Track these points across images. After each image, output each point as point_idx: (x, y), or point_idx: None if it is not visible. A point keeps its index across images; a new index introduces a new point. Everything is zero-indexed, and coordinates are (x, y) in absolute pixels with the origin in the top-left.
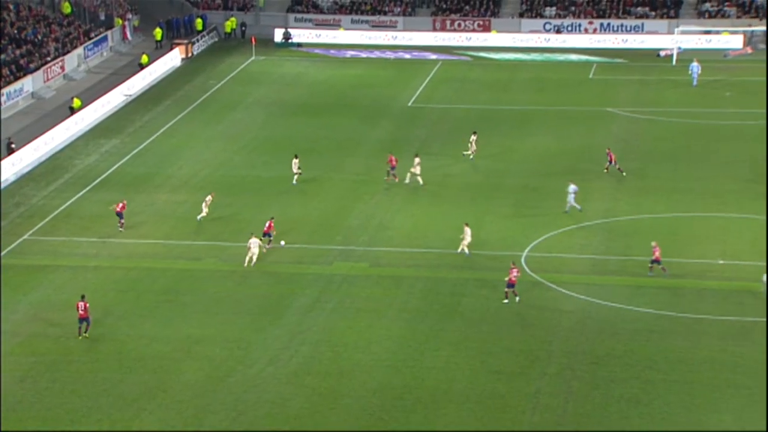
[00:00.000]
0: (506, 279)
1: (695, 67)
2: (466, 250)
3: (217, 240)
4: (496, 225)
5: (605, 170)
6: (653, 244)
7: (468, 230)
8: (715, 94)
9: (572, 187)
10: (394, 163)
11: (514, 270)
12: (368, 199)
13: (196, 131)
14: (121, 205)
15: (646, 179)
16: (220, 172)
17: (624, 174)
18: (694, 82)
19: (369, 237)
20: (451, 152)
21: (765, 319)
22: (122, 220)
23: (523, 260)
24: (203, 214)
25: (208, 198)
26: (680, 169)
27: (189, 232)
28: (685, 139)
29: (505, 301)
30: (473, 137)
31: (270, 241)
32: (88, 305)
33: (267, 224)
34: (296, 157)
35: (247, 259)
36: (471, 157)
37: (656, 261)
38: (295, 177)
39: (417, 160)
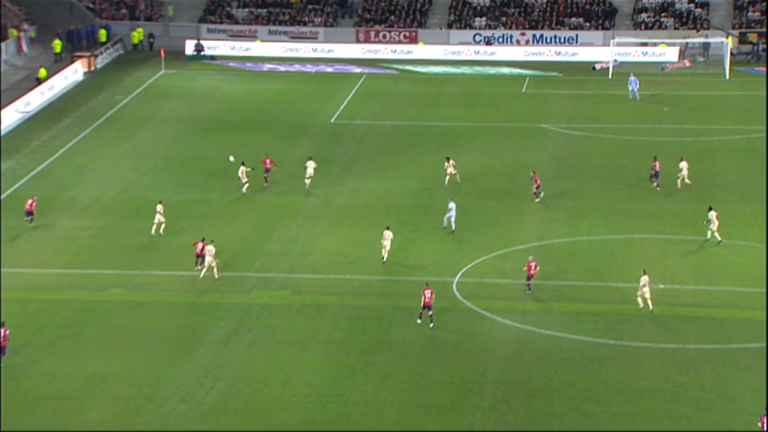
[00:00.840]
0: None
1: (633, 81)
2: (385, 256)
3: (123, 268)
4: (426, 249)
5: (534, 195)
6: (530, 258)
7: (389, 234)
8: (653, 109)
9: (451, 205)
10: (268, 165)
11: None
12: (289, 222)
13: (101, 151)
14: (30, 201)
15: (582, 199)
16: (127, 195)
17: (537, 200)
18: (630, 96)
19: (290, 263)
20: (378, 171)
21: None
22: (30, 217)
23: (454, 286)
24: (157, 225)
25: (159, 207)
26: (618, 189)
27: (93, 260)
28: (622, 156)
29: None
30: (447, 163)
31: (201, 263)
32: (8, 332)
33: (200, 246)
34: (243, 164)
35: (204, 270)
36: (457, 180)
37: (530, 277)
38: (245, 186)
39: (311, 163)
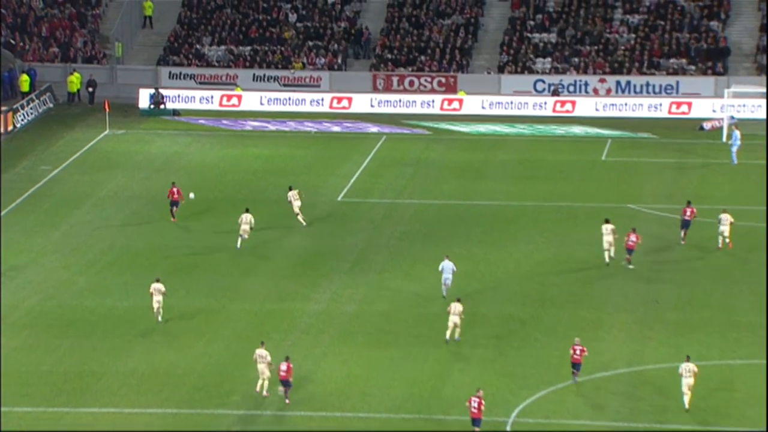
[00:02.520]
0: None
1: (735, 136)
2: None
3: (48, 404)
4: (470, 375)
5: (626, 260)
6: (576, 341)
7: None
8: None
9: (446, 264)
10: (176, 196)
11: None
12: (279, 338)
13: (20, 242)
14: None
15: (686, 309)
16: (54, 302)
17: (630, 266)
18: (735, 159)
19: (281, 396)
20: (402, 268)
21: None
22: None
23: (508, 427)
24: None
25: (157, 286)
26: (737, 295)
27: (5, 393)
28: (744, 250)
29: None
30: None
31: None
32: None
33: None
34: (247, 211)
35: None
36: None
37: (575, 364)
38: (240, 239)
39: (293, 193)
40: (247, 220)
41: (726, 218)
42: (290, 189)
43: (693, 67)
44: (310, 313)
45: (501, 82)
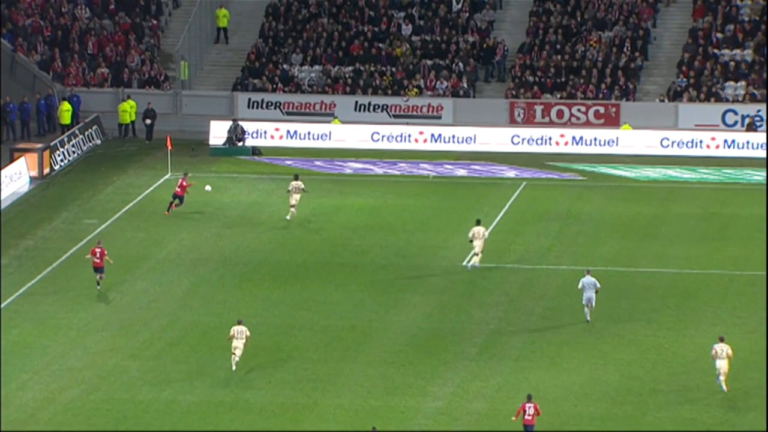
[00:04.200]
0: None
1: None
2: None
3: None
4: None
5: None
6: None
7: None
8: None
9: (589, 280)
10: (183, 189)
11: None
12: None
13: (57, 316)
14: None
15: None
16: (99, 395)
17: None
18: None
19: None
20: (548, 355)
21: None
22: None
23: None
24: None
25: None
26: None
27: None
28: None
29: None
30: None
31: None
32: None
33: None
34: (296, 178)
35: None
36: None
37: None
38: (291, 210)
39: (296, 184)
40: (241, 334)
41: None
42: (296, 178)
43: None
44: (428, 412)
45: (678, 112)
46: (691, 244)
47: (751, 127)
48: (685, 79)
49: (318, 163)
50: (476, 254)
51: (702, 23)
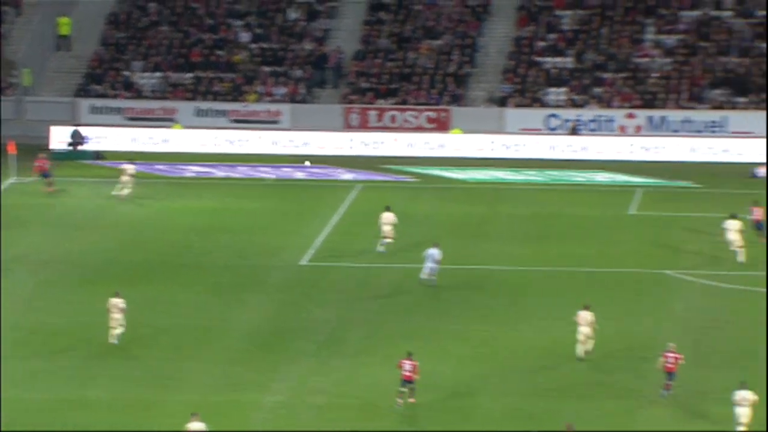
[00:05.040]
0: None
1: None
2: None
3: None
4: None
5: (665, 387)
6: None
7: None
8: None
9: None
10: (43, 167)
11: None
12: None
13: None
14: None
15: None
16: None
17: (665, 393)
18: None
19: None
20: (382, 350)
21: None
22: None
23: None
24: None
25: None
26: None
27: None
28: None
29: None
30: None
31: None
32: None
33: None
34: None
35: None
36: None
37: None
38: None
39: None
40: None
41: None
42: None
43: (743, 100)
44: (268, 407)
45: (505, 117)
46: (519, 243)
47: (573, 131)
48: (510, 86)
49: (159, 167)
50: (388, 240)
51: (526, 32)
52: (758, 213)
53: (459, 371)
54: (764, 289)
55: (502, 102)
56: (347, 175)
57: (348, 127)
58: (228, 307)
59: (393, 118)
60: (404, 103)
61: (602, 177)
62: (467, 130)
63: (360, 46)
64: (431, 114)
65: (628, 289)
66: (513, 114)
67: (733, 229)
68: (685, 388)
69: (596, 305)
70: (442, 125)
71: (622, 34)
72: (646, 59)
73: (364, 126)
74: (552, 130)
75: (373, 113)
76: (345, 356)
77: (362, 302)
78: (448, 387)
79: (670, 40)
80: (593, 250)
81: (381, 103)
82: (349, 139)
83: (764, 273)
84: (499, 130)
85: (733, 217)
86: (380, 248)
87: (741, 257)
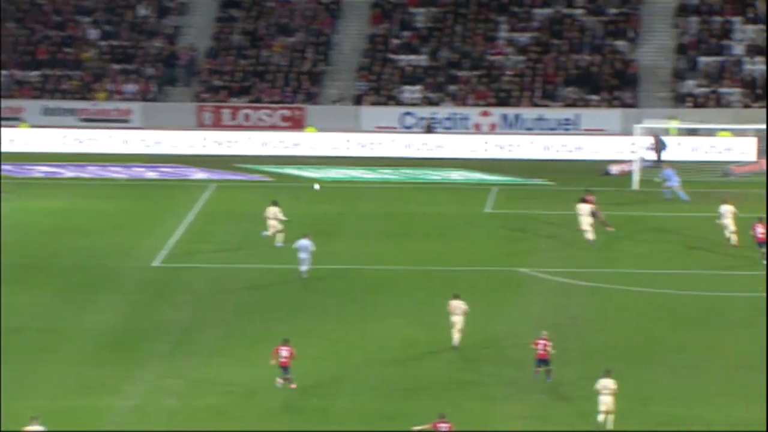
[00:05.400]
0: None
1: (670, 174)
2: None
3: None
4: None
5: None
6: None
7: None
8: (713, 244)
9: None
10: None
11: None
12: None
13: None
14: None
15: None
16: None
17: None
18: (668, 195)
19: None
20: (236, 351)
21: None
22: None
23: None
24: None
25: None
26: (658, 380)
27: None
28: (665, 326)
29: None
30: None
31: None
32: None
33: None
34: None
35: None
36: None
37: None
38: (272, 231)
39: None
40: None
41: (729, 209)
42: (584, 200)
43: (596, 97)
44: (120, 411)
45: (360, 115)
46: (375, 241)
47: (428, 129)
48: (365, 84)
49: (6, 167)
50: (279, 231)
51: (380, 29)
52: (761, 230)
53: (315, 371)
54: (617, 286)
55: (357, 100)
56: (201, 175)
57: (201, 125)
58: (79, 308)
59: (247, 117)
60: (258, 101)
61: (457, 175)
62: (322, 129)
63: (212, 44)
64: (286, 112)
65: (483, 288)
66: (368, 112)
67: (584, 214)
68: (542, 385)
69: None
70: (296, 124)
71: (476, 32)
72: (499, 57)
73: (217, 124)
74: (407, 129)
75: (226, 111)
76: (199, 357)
77: (217, 302)
78: (303, 387)
79: (524, 38)
80: (449, 248)
81: (234, 102)
82: (202, 138)
83: (620, 270)
84: (354, 128)
85: (584, 201)
86: (277, 243)
87: (595, 235)
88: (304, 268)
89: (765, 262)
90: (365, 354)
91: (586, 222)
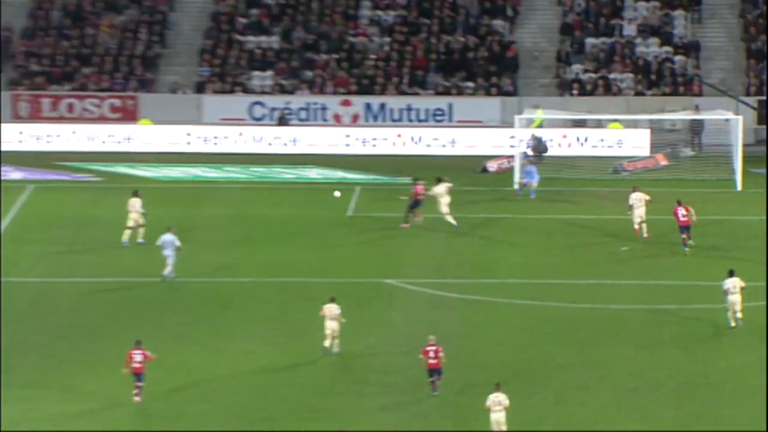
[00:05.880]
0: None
1: (532, 173)
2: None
3: None
4: None
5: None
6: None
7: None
8: (601, 250)
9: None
10: None
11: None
12: None
13: None
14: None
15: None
16: None
17: None
18: (519, 190)
19: None
20: (58, 380)
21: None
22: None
23: None
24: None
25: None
26: (543, 403)
27: None
28: (551, 342)
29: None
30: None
31: None
32: None
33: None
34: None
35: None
36: None
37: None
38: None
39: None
40: None
41: (639, 197)
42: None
43: (472, 84)
44: None
45: (202, 105)
46: (222, 250)
47: (282, 121)
48: (209, 69)
49: None
50: (141, 226)
51: (224, 6)
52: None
53: (152, 396)
54: (497, 299)
55: (199, 88)
56: (16, 174)
57: (17, 117)
58: None
59: (70, 107)
60: (83, 89)
61: (315, 173)
62: (158, 121)
63: (28, 23)
64: (116, 102)
65: (345, 302)
66: (212, 102)
67: (442, 194)
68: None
69: (311, 319)
70: (128, 115)
71: (334, 10)
72: (362, 38)
73: (35, 116)
74: (257, 120)
75: (46, 101)
76: (14, 387)
77: (36, 322)
78: (138, 418)
79: (389, 16)
80: (306, 257)
81: (55, 90)
82: (18, 132)
83: (500, 280)
84: (197, 120)
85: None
86: (139, 240)
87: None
88: (168, 270)
89: (686, 249)
90: (211, 382)
91: (444, 204)
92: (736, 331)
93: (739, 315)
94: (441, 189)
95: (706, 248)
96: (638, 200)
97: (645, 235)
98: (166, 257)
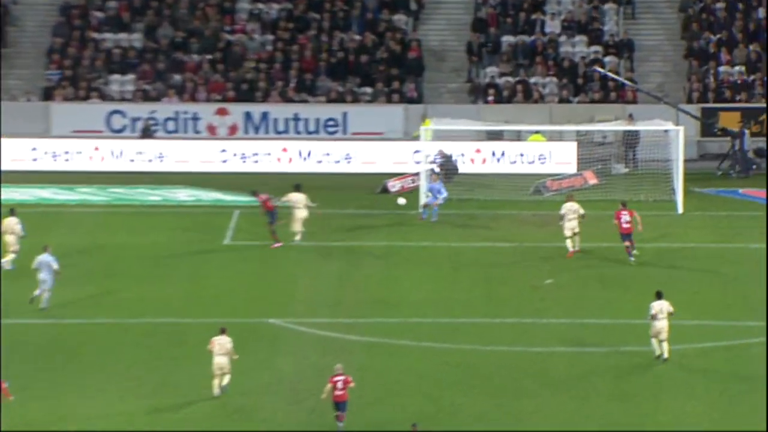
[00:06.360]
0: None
1: (440, 190)
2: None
3: None
4: None
5: None
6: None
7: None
8: (521, 283)
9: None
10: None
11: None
12: None
13: None
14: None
15: None
16: None
17: None
18: (424, 213)
19: None
20: None
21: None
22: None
23: None
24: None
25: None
26: None
27: None
28: (463, 391)
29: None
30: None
31: None
32: None
33: None
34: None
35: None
36: None
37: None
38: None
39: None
40: None
41: (572, 208)
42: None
43: (368, 90)
44: None
45: (51, 115)
46: (72, 286)
47: (146, 133)
48: (58, 72)
49: None
50: (14, 252)
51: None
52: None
53: None
54: (400, 341)
55: (46, 94)
56: None
57: None
58: None
59: None
60: None
61: (185, 195)
62: (2, 134)
63: None
64: None
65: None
66: (62, 110)
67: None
68: None
69: (184, 365)
70: None
71: (207, 3)
72: (240, 36)
73: None
74: (116, 133)
75: None
76: None
77: None
78: None
79: (271, 10)
80: (175, 293)
81: None
82: None
83: (404, 320)
84: (44, 132)
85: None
86: (6, 265)
87: None
88: (39, 291)
89: (632, 259)
90: None
91: (299, 218)
92: (677, 378)
93: (665, 345)
94: (297, 197)
95: (643, 280)
96: (571, 211)
97: (576, 247)
98: (42, 282)
